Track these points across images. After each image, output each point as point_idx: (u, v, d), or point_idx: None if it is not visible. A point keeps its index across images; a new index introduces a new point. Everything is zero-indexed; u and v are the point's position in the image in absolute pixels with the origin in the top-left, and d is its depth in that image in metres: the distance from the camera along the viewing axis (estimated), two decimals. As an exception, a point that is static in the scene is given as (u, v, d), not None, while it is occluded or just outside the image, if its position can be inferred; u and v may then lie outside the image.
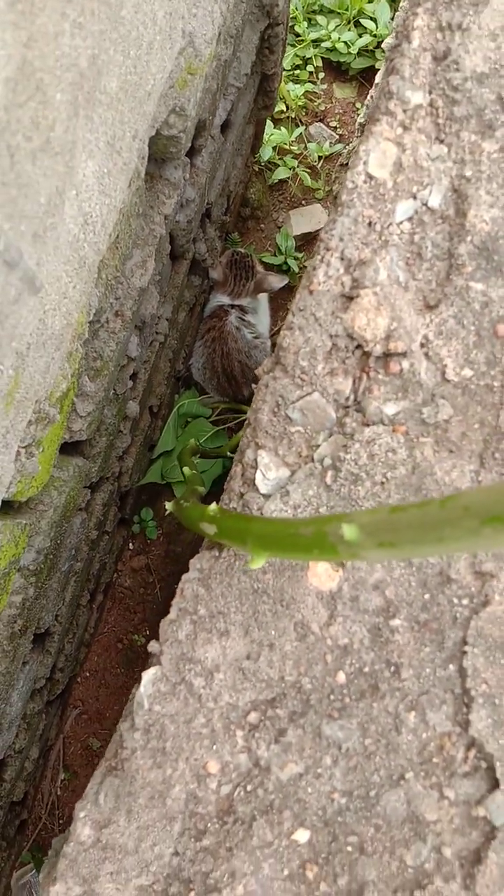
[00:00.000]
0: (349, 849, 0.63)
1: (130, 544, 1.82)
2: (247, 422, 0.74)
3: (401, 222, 0.69)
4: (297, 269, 1.88)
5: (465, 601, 0.64)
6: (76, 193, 0.58)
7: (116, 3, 0.53)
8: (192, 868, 0.64)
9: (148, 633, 1.77)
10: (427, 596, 0.65)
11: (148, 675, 0.65)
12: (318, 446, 0.68)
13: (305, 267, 1.90)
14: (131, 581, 1.81)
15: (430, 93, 0.69)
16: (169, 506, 1.01)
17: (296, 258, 1.88)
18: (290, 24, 1.88)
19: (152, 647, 0.66)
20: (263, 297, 1.78)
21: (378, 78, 1.30)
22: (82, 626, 1.56)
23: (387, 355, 0.68)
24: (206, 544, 0.71)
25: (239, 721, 0.65)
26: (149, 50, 0.64)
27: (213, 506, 0.67)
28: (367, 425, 0.67)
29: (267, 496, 0.67)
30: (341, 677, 0.65)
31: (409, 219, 0.69)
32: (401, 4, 0.71)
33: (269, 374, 0.71)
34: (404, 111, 0.68)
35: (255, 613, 0.64)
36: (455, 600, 0.65)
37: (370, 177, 0.69)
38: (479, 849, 0.64)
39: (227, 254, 1.70)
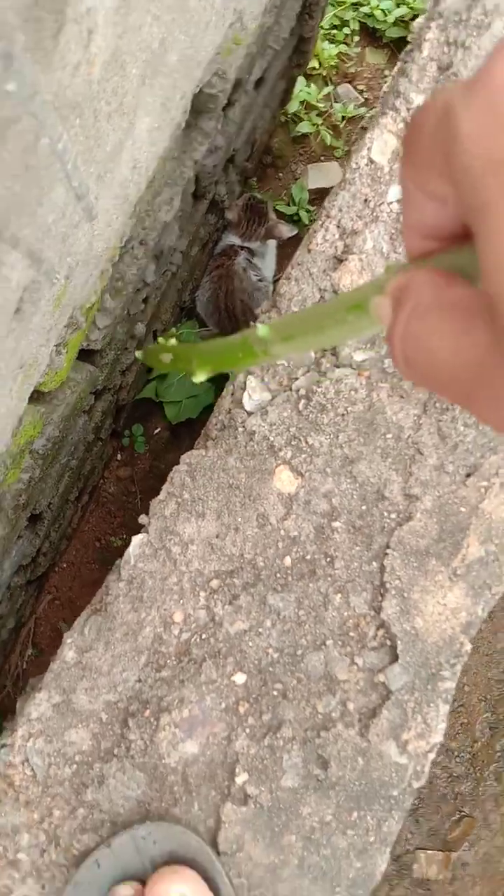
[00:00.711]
0: (275, 693, 0.81)
1: (119, 455, 1.98)
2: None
3: (391, 202, 0.84)
4: (307, 222, 2.00)
5: (393, 515, 0.81)
6: (132, 143, 0.72)
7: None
8: (151, 692, 0.82)
9: (125, 536, 1.95)
10: (364, 507, 0.81)
11: (136, 539, 0.82)
12: (297, 379, 0.84)
13: (315, 220, 2.03)
14: (115, 488, 1.98)
15: (432, 98, 0.82)
16: (138, 354, 1.11)
17: (308, 210, 2.00)
18: (334, -16, 1.96)
19: (143, 519, 0.83)
20: (272, 244, 1.91)
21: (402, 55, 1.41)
22: (67, 519, 1.73)
23: (363, 312, 0.83)
24: (198, 444, 0.87)
25: (203, 584, 0.82)
26: (205, 28, 0.77)
27: (172, 341, 0.71)
28: (338, 367, 0.83)
29: (250, 413, 0.83)
30: (287, 561, 0.82)
31: (399, 200, 0.83)
32: (418, 20, 0.84)
33: (265, 314, 0.86)
34: (407, 109, 0.82)
35: (227, 503, 0.81)
36: (385, 514, 0.81)
37: (371, 161, 0.83)
38: (376, 707, 0.82)
39: (243, 197, 1.82)
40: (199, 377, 0.58)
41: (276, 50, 1.32)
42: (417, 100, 0.82)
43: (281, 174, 2.07)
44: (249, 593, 0.81)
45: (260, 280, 1.88)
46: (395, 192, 0.83)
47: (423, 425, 0.82)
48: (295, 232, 1.89)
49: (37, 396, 0.98)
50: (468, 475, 0.81)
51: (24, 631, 1.93)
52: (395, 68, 0.87)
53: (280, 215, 1.97)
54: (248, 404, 0.84)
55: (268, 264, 1.94)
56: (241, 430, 0.83)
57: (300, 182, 2.01)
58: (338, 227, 0.83)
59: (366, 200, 0.83)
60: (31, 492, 1.16)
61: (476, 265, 0.24)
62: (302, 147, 2.06)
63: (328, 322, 0.38)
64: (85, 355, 1.20)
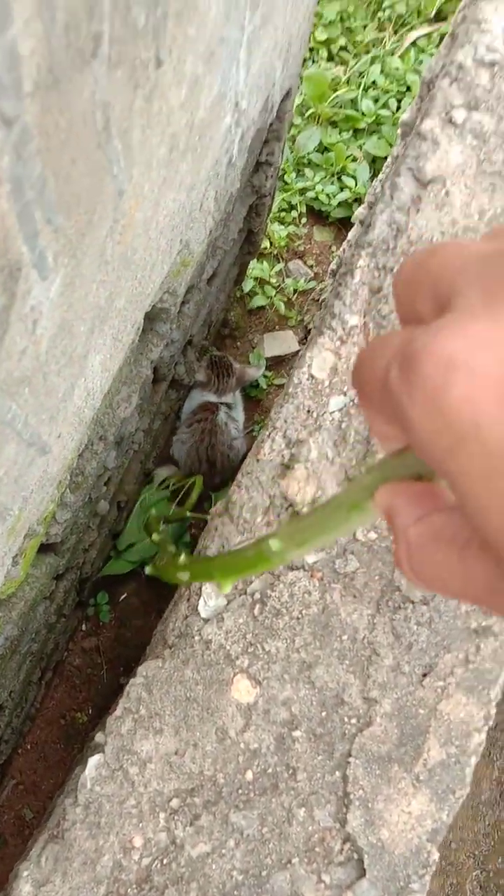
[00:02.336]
0: (242, 921, 0.77)
1: (83, 625, 1.95)
2: (197, 552, 0.91)
3: (333, 412, 0.88)
4: (265, 387, 2.09)
5: (353, 720, 0.81)
6: (84, 380, 0.76)
7: (131, 255, 0.72)
8: (111, 928, 0.77)
9: (90, 711, 1.89)
10: (324, 713, 0.81)
11: (93, 761, 0.80)
12: (252, 583, 0.85)
13: (273, 384, 2.12)
14: (80, 660, 1.93)
15: (365, 316, 0.89)
16: (148, 569, 1.14)
17: (265, 377, 2.09)
18: (280, 174, 2.15)
19: (98, 737, 0.82)
20: (238, 395, 1.99)
21: (350, 234, 1.53)
22: (30, 701, 1.68)
23: (312, 516, 0.86)
24: (151, 654, 0.87)
25: (163, 805, 0.79)
26: (152, 269, 0.83)
27: (182, 557, 0.75)
28: (291, 570, 0.85)
29: (206, 620, 0.84)
30: (249, 775, 0.80)
31: (340, 410, 0.89)
32: (343, 245, 0.92)
33: (219, 518, 0.89)
34: (343, 329, 0.89)
35: (185, 717, 0.80)
36: (346, 719, 0.81)
37: (312, 376, 0.88)
38: (348, 930, 0.78)
39: (206, 358, 1.92)
40: (226, 589, 0.63)
41: (227, 249, 1.42)
42: (352, 320, 0.88)
43: (239, 343, 2.17)
44: (211, 812, 0.79)
45: (238, 431, 1.96)
46: (336, 402, 0.88)
47: (377, 625, 0.83)
48: (262, 371, 2.00)
49: (-6, 603, 0.98)
50: (424, 675, 0.82)
51: (-16, 821, 1.82)
52: (330, 291, 0.94)
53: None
54: (204, 611, 0.85)
55: (240, 413, 2.02)
56: (197, 638, 0.83)
57: (257, 350, 2.12)
58: (283, 436, 0.88)
59: (309, 411, 0.88)
60: (-11, 690, 1.14)
61: (423, 465, 0.29)
62: (258, 318, 2.18)
63: (333, 523, 0.42)
64: (44, 548, 1.21)
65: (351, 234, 1.64)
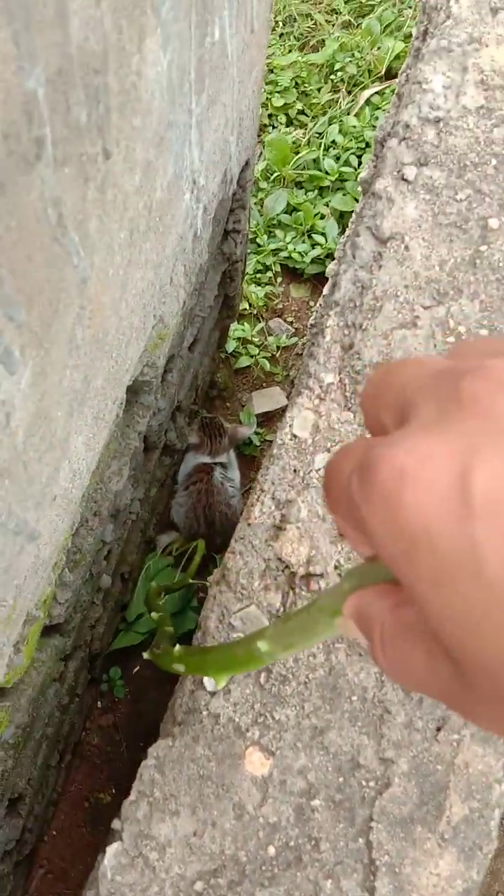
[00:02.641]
0: None
1: (99, 702, 1.92)
2: (197, 624, 0.90)
3: (319, 469, 0.89)
4: (258, 443, 2.10)
5: (371, 783, 0.79)
6: (68, 462, 0.77)
7: (103, 336, 0.74)
8: None
9: (114, 791, 1.84)
10: (341, 779, 0.79)
11: (111, 849, 0.78)
12: (255, 650, 0.84)
13: (265, 440, 2.13)
14: (98, 739, 1.90)
15: (340, 373, 0.90)
16: (145, 654, 1.14)
17: (257, 433, 2.10)
18: (251, 237, 2.20)
19: (115, 824, 0.80)
20: (233, 454, 2.00)
21: (325, 289, 1.55)
22: (51, 786, 1.64)
23: (308, 575, 0.86)
24: (162, 732, 0.85)
25: (187, 890, 0.77)
26: (127, 345, 0.85)
27: (178, 648, 0.76)
28: (294, 633, 0.84)
29: (213, 693, 0.83)
30: (271, 850, 0.78)
31: (325, 467, 0.89)
32: (315, 307, 0.94)
33: (216, 587, 0.89)
34: (320, 387, 0.90)
35: (200, 796, 0.78)
36: (364, 782, 0.79)
37: (294, 436, 0.89)
38: None
39: (196, 421, 1.93)
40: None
41: (204, 316, 1.45)
42: (328, 378, 0.90)
43: (228, 403, 2.19)
44: (237, 892, 0.77)
45: (234, 489, 1.96)
46: (320, 460, 0.89)
47: (385, 682, 0.82)
48: (253, 429, 2.02)
49: None
50: (438, 729, 0.81)
51: (14, 918, 1.76)
52: (304, 351, 0.96)
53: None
54: (210, 684, 0.84)
55: (235, 472, 2.03)
56: (205, 713, 0.82)
57: (247, 409, 2.13)
58: (272, 498, 0.88)
59: (295, 471, 0.89)
60: (4, 784, 1.11)
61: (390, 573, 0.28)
62: (244, 377, 2.20)
63: (318, 628, 0.43)
64: (48, 630, 1.21)
65: (326, 289, 1.67)
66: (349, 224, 1.14)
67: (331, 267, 1.14)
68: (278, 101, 2.39)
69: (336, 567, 0.86)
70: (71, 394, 0.68)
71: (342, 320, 0.91)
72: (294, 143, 2.38)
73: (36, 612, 0.92)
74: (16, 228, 0.45)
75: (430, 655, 0.27)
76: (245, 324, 2.18)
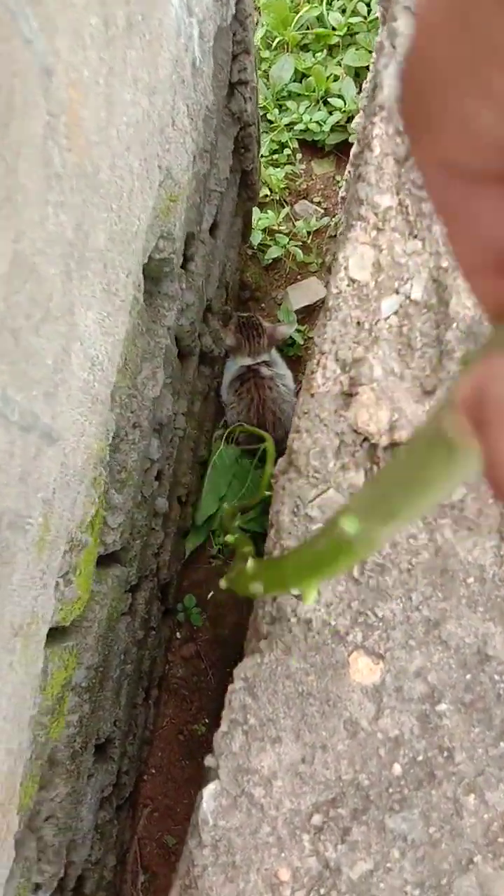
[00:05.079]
0: (431, 944, 0.63)
1: (178, 633, 1.83)
2: (270, 525, 0.76)
3: (388, 317, 0.72)
4: (301, 342, 1.93)
5: (507, 677, 0.65)
6: (80, 344, 0.62)
7: (93, 171, 0.58)
8: None
9: (207, 721, 1.77)
10: (468, 676, 0.66)
11: (208, 791, 0.67)
12: (341, 541, 0.70)
13: (310, 338, 1.95)
14: (183, 671, 1.82)
15: (398, 193, 0.73)
16: (222, 582, 1.02)
17: (299, 331, 1.93)
18: (261, 114, 1.97)
19: (208, 761, 0.68)
20: (275, 353, 1.82)
21: (352, 153, 1.35)
22: (141, 725, 1.56)
23: (393, 444, 0.70)
24: (249, 649, 0.73)
25: (303, 825, 0.65)
26: (130, 197, 0.69)
27: (250, 563, 0.64)
28: (385, 515, 0.69)
29: (299, 596, 0.69)
30: (397, 769, 0.65)
31: (395, 313, 0.72)
32: (356, 119, 0.76)
33: (284, 476, 0.74)
34: (376, 214, 0.72)
35: (303, 717, 0.66)
36: (496, 677, 0.65)
37: (352, 280, 0.72)
38: None
39: (233, 321, 1.75)
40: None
41: (221, 192, 1.27)
42: (384, 201, 0.72)
43: (263, 304, 2.02)
44: (362, 822, 0.65)
45: (287, 389, 1.79)
46: (389, 305, 0.72)
47: (505, 556, 0.67)
48: (294, 327, 1.83)
49: (58, 635, 0.85)
50: None
51: (129, 857, 1.73)
52: (347, 175, 0.78)
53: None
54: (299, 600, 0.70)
55: (284, 369, 1.84)
56: (293, 620, 0.69)
57: (284, 306, 1.95)
58: (336, 360, 0.72)
59: (359, 323, 0.72)
60: (86, 730, 1.02)
61: None
62: (276, 272, 2.01)
63: (428, 471, 0.28)
64: (106, 559, 1.09)
65: (362, 95, 1.46)
66: (377, 16, 0.94)
67: (356, 121, 0.93)
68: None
69: (426, 428, 0.70)
70: (62, 245, 0.53)
71: (391, 126, 0.73)
72: (292, 1, 2.12)
73: (82, 537, 0.79)
74: None
75: None
76: (268, 211, 1.97)
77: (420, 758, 0.65)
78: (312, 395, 0.72)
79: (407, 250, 0.73)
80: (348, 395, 0.72)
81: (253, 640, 0.74)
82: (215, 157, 1.21)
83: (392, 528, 0.35)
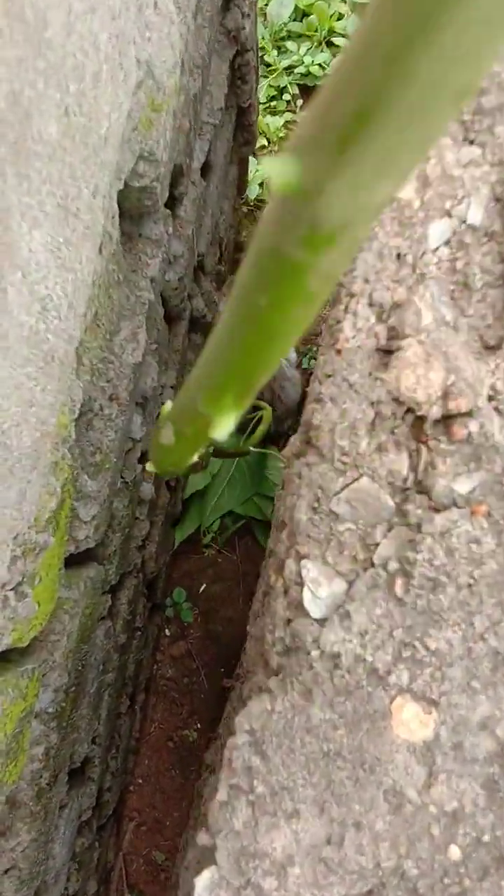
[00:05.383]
0: None
1: (166, 630, 1.67)
2: (280, 523, 0.59)
3: (437, 248, 0.55)
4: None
5: None
6: (22, 275, 0.44)
7: (37, 22, 0.39)
8: None
9: (198, 726, 1.61)
10: (553, 729, 0.49)
11: (202, 881, 0.50)
12: (378, 545, 0.53)
13: (332, 304, 1.77)
14: (173, 671, 1.65)
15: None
16: (148, 466, 0.78)
17: (301, 297, 1.75)
18: (259, 53, 1.78)
19: (202, 839, 0.51)
20: None
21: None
22: (126, 734, 1.40)
23: (447, 417, 0.53)
24: (250, 685, 0.56)
25: (329, 927, 0.49)
26: (94, 83, 0.51)
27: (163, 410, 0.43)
28: (438, 511, 0.52)
29: (322, 621, 0.52)
30: (455, 852, 0.49)
31: (447, 242, 0.55)
32: None
33: (300, 460, 0.57)
34: (422, 112, 0.54)
35: (329, 784, 0.49)
36: None
37: (392, 198, 0.54)
38: None
39: (227, 284, 1.58)
40: (224, 425, 0.31)
41: (215, 125, 1.08)
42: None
43: (260, 267, 1.83)
44: (409, 924, 0.48)
45: (288, 362, 1.62)
46: (438, 230, 0.55)
47: None
48: None
49: (13, 658, 0.68)
50: None
51: (113, 877, 1.57)
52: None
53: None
54: (315, 607, 0.53)
55: None
56: (315, 653, 0.52)
57: (284, 269, 1.77)
58: (370, 305, 0.54)
59: (399, 256, 0.55)
60: (54, 762, 0.85)
61: None
62: (275, 232, 1.83)
63: None
64: (78, 559, 0.91)
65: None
66: None
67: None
68: None
69: (492, 397, 0.53)
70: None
71: None
72: None
73: (38, 538, 0.62)
74: None
75: None
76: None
77: (486, 837, 0.49)
78: (339, 353, 0.55)
79: (461, 159, 0.55)
80: (387, 352, 0.54)
81: (259, 673, 0.57)
82: (208, 81, 1.02)
83: (374, 169, 0.17)
